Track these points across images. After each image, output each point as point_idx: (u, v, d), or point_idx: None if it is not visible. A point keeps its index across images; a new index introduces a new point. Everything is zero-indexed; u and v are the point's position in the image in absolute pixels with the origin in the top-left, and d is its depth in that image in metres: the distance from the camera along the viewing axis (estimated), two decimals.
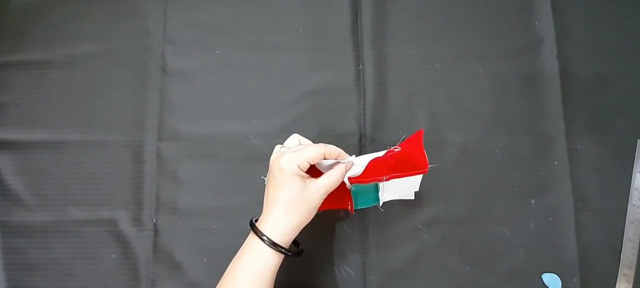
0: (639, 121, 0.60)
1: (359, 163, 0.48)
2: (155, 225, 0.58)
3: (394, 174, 0.48)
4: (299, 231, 0.46)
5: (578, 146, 0.60)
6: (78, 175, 0.60)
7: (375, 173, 0.48)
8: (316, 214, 0.48)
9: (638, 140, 0.60)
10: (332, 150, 0.47)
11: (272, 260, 0.45)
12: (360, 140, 0.60)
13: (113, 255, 0.58)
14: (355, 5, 0.63)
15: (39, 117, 0.62)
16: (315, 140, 0.51)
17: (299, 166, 0.45)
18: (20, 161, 0.61)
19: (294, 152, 0.46)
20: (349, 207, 0.53)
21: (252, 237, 0.46)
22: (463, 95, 0.61)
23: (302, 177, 0.46)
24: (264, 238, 0.45)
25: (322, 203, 0.47)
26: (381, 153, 0.49)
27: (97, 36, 0.63)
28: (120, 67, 0.63)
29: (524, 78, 0.61)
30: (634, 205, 0.58)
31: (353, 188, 0.51)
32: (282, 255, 0.46)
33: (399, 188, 0.53)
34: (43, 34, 0.64)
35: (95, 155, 0.60)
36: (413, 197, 0.54)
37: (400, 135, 0.59)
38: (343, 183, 0.49)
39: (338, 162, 0.48)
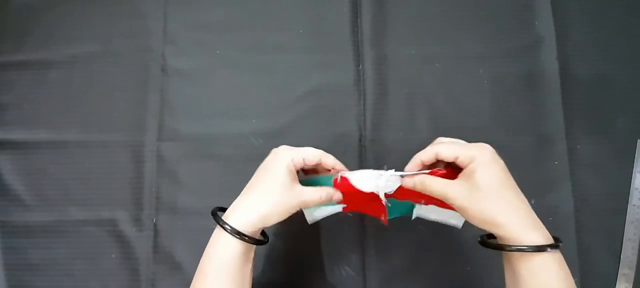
0: (639, 121, 0.60)
1: (356, 177, 0.46)
2: (155, 225, 0.58)
3: (435, 202, 0.45)
4: (265, 225, 0.44)
5: (578, 146, 0.59)
6: (78, 175, 0.60)
7: (411, 196, 0.46)
8: None
9: (638, 140, 0.60)
10: (330, 159, 0.47)
11: (236, 249, 0.43)
12: (360, 140, 0.60)
13: (113, 255, 0.58)
14: (355, 5, 0.63)
15: (39, 117, 0.62)
16: (315, 140, 0.51)
17: (293, 160, 0.45)
18: (20, 161, 0.61)
19: (294, 148, 0.46)
20: (383, 218, 0.50)
21: (216, 227, 0.45)
22: (463, 95, 0.61)
23: (291, 173, 0.45)
24: (226, 226, 0.43)
25: (354, 205, 0.46)
26: (421, 172, 0.44)
27: (97, 36, 0.63)
28: (120, 67, 0.63)
29: (524, 78, 0.61)
30: (634, 205, 0.58)
31: (389, 205, 0.48)
32: (250, 245, 0.44)
33: (439, 212, 0.49)
34: (43, 34, 0.64)
35: (95, 155, 0.60)
36: (460, 226, 0.48)
37: (400, 135, 0.59)
38: (379, 198, 0.47)
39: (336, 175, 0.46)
